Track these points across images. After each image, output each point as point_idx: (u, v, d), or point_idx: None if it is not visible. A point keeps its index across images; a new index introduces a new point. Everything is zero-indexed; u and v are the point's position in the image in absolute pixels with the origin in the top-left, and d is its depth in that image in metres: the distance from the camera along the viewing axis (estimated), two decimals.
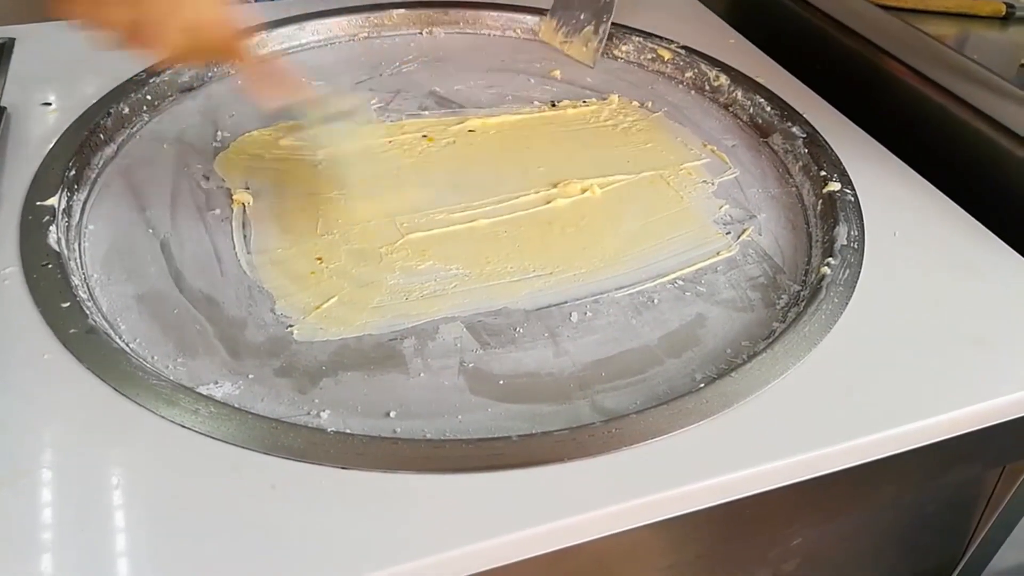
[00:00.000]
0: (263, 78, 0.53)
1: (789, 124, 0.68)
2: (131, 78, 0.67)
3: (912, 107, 0.72)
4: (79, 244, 0.54)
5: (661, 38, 0.79)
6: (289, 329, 0.49)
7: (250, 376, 0.46)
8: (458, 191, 0.61)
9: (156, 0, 0.45)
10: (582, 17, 0.79)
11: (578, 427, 0.42)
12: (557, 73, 0.77)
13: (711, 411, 0.43)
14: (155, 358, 0.46)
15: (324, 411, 0.44)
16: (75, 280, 0.49)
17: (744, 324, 0.52)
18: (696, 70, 0.77)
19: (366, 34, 0.81)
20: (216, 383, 0.45)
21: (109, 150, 0.62)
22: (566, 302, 0.53)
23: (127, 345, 0.47)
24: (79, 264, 0.52)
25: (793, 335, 0.49)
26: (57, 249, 0.51)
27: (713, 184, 0.65)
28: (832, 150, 0.65)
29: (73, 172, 0.57)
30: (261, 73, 0.53)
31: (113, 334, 0.47)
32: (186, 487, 0.38)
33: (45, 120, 0.63)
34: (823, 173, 0.63)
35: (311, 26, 0.78)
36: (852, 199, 0.60)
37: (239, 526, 0.37)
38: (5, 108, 0.62)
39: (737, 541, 0.49)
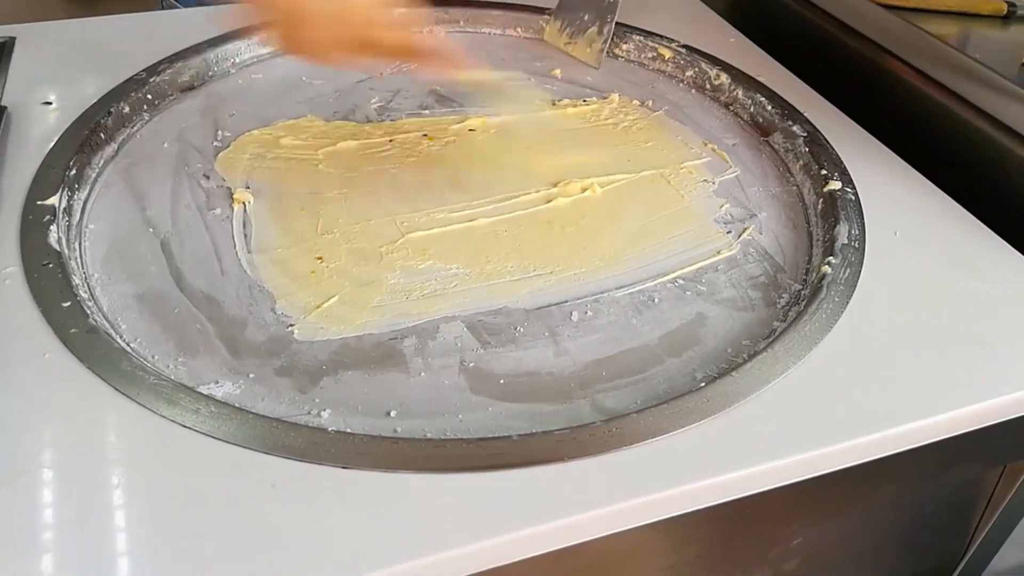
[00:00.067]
0: (437, 59, 0.57)
1: (790, 123, 0.68)
2: (131, 77, 0.67)
3: (913, 106, 0.72)
4: (80, 243, 0.54)
5: (662, 37, 0.79)
6: (289, 328, 0.49)
7: (251, 375, 0.46)
8: (458, 190, 0.61)
9: (358, 26, 0.52)
10: (586, 18, 0.79)
11: (578, 426, 0.42)
12: (557, 72, 0.77)
13: (711, 410, 0.43)
14: (156, 357, 0.46)
15: (325, 410, 0.44)
16: (76, 279, 0.49)
17: (745, 323, 0.52)
18: (697, 69, 0.77)
19: None
20: (217, 382, 0.45)
21: (110, 149, 0.62)
22: (566, 301, 0.53)
23: (128, 344, 0.47)
24: (80, 263, 0.52)
25: (794, 334, 0.49)
26: (58, 248, 0.51)
27: (714, 183, 0.65)
28: (833, 149, 0.65)
29: (74, 171, 0.57)
30: (435, 55, 0.57)
31: (114, 333, 0.47)
32: (186, 486, 0.38)
33: (46, 119, 0.63)
34: (824, 172, 0.63)
35: None
36: (853, 198, 0.60)
37: (240, 525, 0.37)
38: (6, 107, 0.62)
39: (737, 541, 0.49)
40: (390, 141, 0.66)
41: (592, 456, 0.41)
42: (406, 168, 0.64)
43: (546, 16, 0.83)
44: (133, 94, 0.66)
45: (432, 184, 0.62)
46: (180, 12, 0.84)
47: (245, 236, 0.56)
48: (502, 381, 0.47)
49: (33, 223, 0.52)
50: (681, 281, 0.55)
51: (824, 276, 0.53)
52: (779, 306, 0.53)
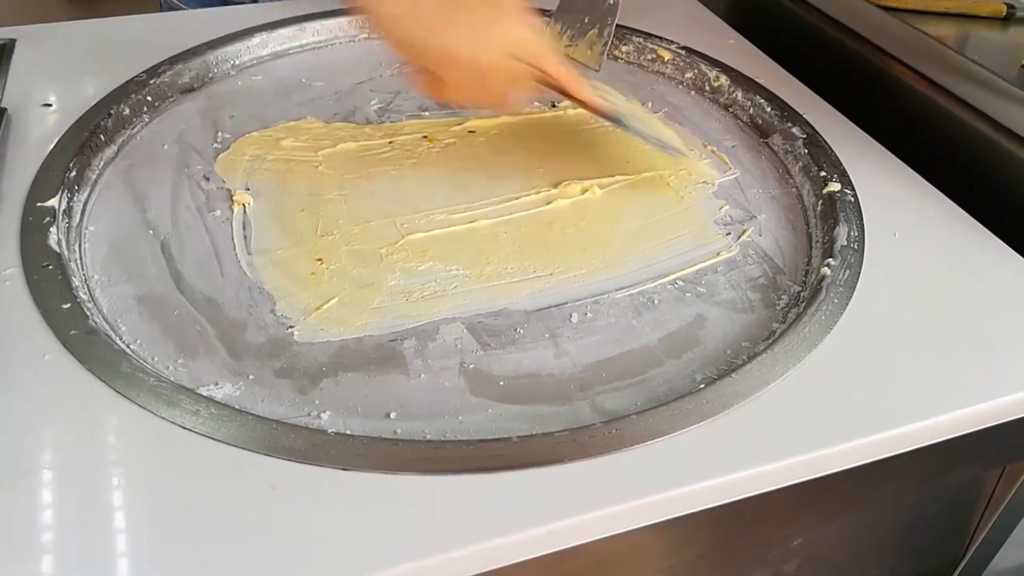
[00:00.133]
0: (586, 91, 0.59)
1: (789, 125, 0.68)
2: (131, 79, 0.67)
3: (912, 107, 0.72)
4: (79, 245, 0.54)
5: (661, 39, 0.79)
6: (289, 330, 0.49)
7: (250, 377, 0.46)
8: (458, 192, 0.61)
9: (502, 76, 0.53)
10: (586, 21, 0.79)
11: (578, 428, 0.43)
12: None
13: (711, 412, 0.44)
14: (155, 359, 0.46)
15: (324, 412, 0.44)
16: (76, 281, 0.49)
17: (744, 325, 0.52)
18: (696, 71, 0.77)
19: (367, 35, 0.81)
20: (216, 384, 0.45)
21: (109, 151, 0.62)
22: (566, 303, 0.53)
23: (128, 346, 0.47)
24: (79, 265, 0.52)
25: (793, 336, 0.49)
26: (57, 250, 0.51)
27: (713, 185, 0.65)
28: (832, 151, 0.65)
29: (74, 173, 0.57)
30: (585, 88, 0.59)
31: (114, 335, 0.47)
32: (186, 488, 0.38)
33: (46, 121, 0.63)
34: (823, 174, 0.63)
35: (312, 27, 0.78)
36: (852, 200, 0.60)
37: (239, 527, 0.37)
38: (6, 109, 0.62)
39: (737, 542, 0.49)
40: (390, 143, 0.66)
41: (592, 458, 0.41)
42: (406, 170, 0.64)
43: (546, 18, 0.83)
44: (133, 96, 0.66)
45: (432, 186, 0.62)
46: (180, 14, 0.84)
47: (245, 238, 0.56)
48: (502, 383, 0.47)
49: (33, 225, 0.52)
50: (681, 283, 0.55)
51: (823, 278, 0.53)
52: (778, 308, 0.53)
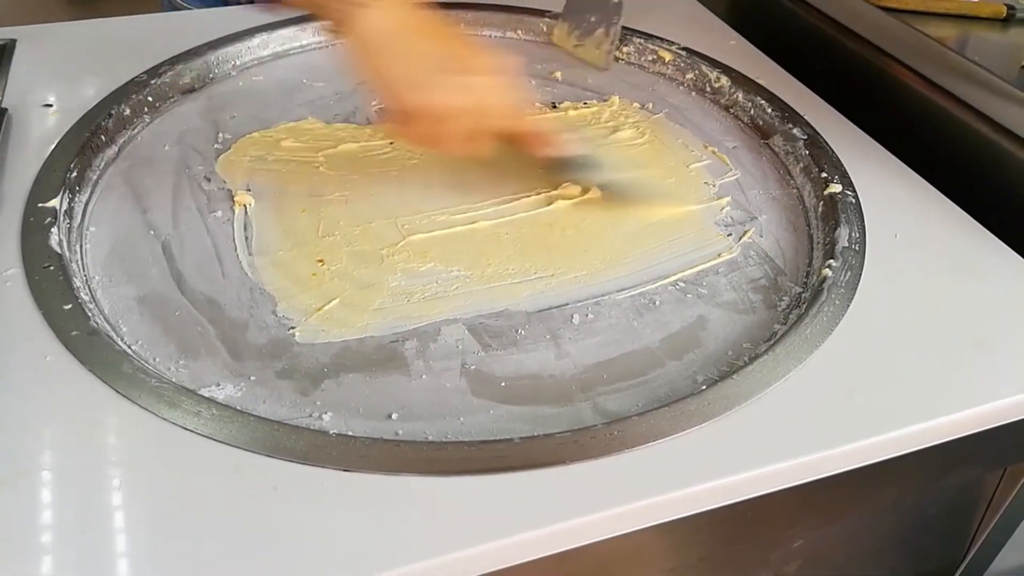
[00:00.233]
0: (543, 140, 0.60)
1: (790, 126, 0.68)
2: (132, 79, 0.67)
3: (913, 109, 0.72)
4: (80, 246, 0.54)
5: (662, 40, 0.79)
6: (291, 331, 0.49)
7: (252, 378, 0.46)
8: (459, 193, 0.61)
9: (477, 115, 0.54)
10: (593, 20, 0.79)
11: (580, 429, 0.43)
12: (558, 75, 0.77)
13: (713, 413, 0.44)
14: (157, 360, 0.46)
15: (326, 413, 0.44)
16: (77, 282, 0.49)
17: (745, 326, 0.52)
18: (697, 72, 0.77)
19: None
20: (218, 385, 0.45)
21: (110, 152, 0.62)
22: (567, 304, 0.53)
23: (129, 347, 0.47)
24: (80, 266, 0.52)
25: (794, 337, 0.49)
26: (59, 251, 0.51)
27: (714, 186, 0.65)
28: (833, 152, 0.65)
29: (74, 174, 0.57)
30: (542, 138, 0.60)
31: (115, 336, 0.47)
32: (188, 489, 0.38)
33: (46, 121, 0.63)
34: (824, 175, 0.63)
35: (313, 27, 0.78)
36: (853, 201, 0.60)
37: (241, 528, 0.37)
38: (6, 109, 0.62)
39: (739, 543, 0.49)
40: (391, 144, 0.66)
41: (593, 459, 0.41)
42: (407, 170, 0.64)
43: (547, 19, 0.83)
44: (134, 96, 0.66)
45: (433, 186, 0.62)
46: (180, 14, 0.84)
47: (246, 238, 0.56)
48: (503, 384, 0.47)
49: (34, 225, 0.52)
50: (682, 284, 0.55)
51: (825, 279, 0.53)
52: (780, 309, 0.53)
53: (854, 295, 0.52)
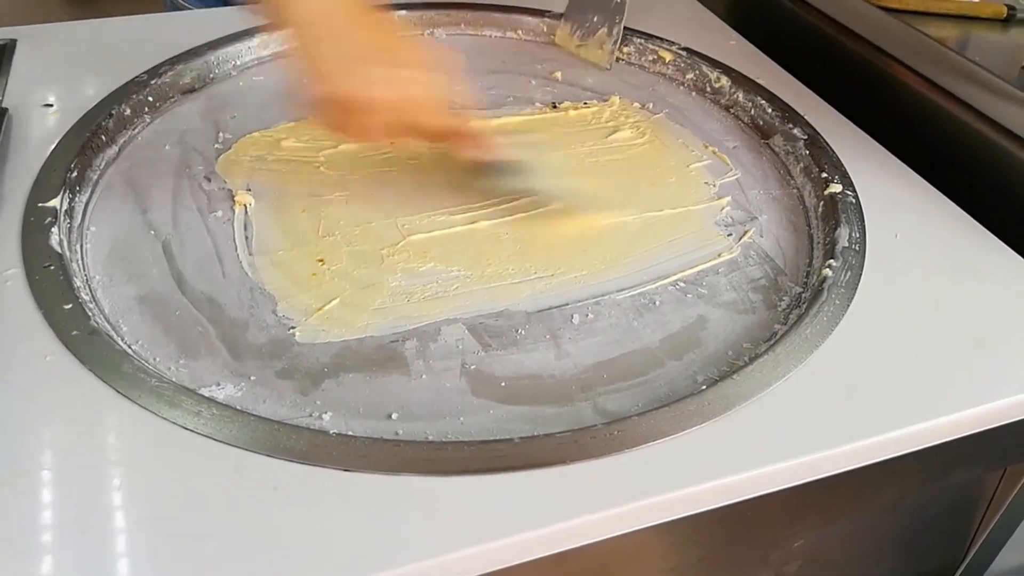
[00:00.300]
0: (470, 141, 0.59)
1: (790, 126, 0.68)
2: (132, 79, 0.67)
3: (913, 109, 0.72)
4: (81, 245, 0.54)
5: (662, 40, 0.79)
6: (291, 331, 0.49)
7: (252, 378, 0.46)
8: (459, 193, 0.61)
9: (400, 107, 0.53)
10: (595, 20, 0.79)
11: (580, 429, 0.43)
12: (558, 75, 0.77)
13: (713, 413, 0.44)
14: (157, 360, 0.46)
15: (326, 413, 0.44)
16: (77, 282, 0.49)
17: (745, 326, 0.52)
18: (697, 72, 0.77)
19: None
20: (218, 385, 0.45)
21: (111, 151, 0.62)
22: (567, 304, 0.53)
23: (129, 347, 0.47)
24: (81, 265, 0.52)
25: (794, 337, 0.49)
26: (59, 250, 0.51)
27: (715, 186, 0.65)
28: (833, 152, 0.65)
29: (75, 173, 0.57)
30: (469, 139, 0.59)
31: (115, 336, 0.47)
32: (188, 489, 0.38)
33: (47, 121, 0.63)
34: (824, 175, 0.63)
35: None
36: (853, 201, 0.60)
37: (241, 528, 0.37)
38: (7, 109, 0.62)
39: (739, 543, 0.49)
40: (391, 143, 0.66)
41: (593, 459, 0.41)
42: (407, 170, 0.64)
43: (547, 19, 0.83)
44: (134, 96, 0.66)
45: (433, 186, 0.62)
46: (181, 14, 0.84)
47: (246, 238, 0.56)
48: (503, 384, 0.47)
49: (34, 225, 0.52)
50: (682, 284, 0.55)
51: (825, 279, 0.53)
52: (780, 309, 0.53)
53: (854, 295, 0.52)
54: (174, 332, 0.48)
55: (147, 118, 0.67)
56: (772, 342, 0.49)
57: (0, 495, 0.37)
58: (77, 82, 0.67)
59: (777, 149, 0.69)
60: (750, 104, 0.73)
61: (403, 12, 0.81)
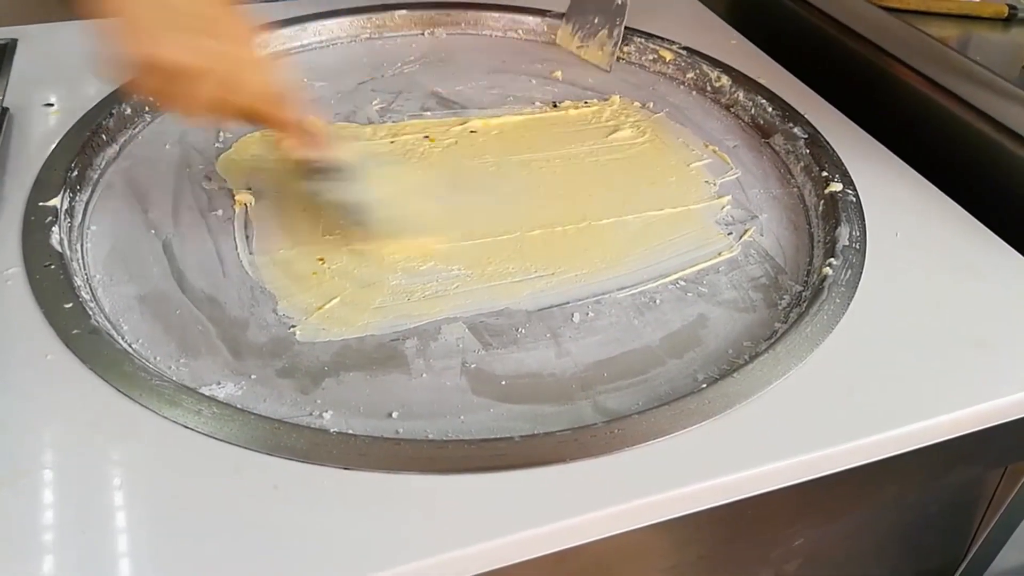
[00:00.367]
0: (300, 136, 0.56)
1: (791, 125, 0.68)
2: None
3: (914, 108, 0.72)
4: (81, 245, 0.54)
5: (662, 39, 0.79)
6: (291, 330, 0.49)
7: (252, 377, 0.46)
8: (460, 192, 0.61)
9: (219, 82, 0.49)
10: (596, 21, 0.79)
11: (580, 428, 0.42)
12: (558, 74, 0.77)
13: (713, 412, 0.43)
14: (157, 359, 0.46)
15: (326, 412, 0.44)
16: (77, 281, 0.49)
17: (746, 324, 0.52)
18: (697, 71, 0.77)
19: (368, 35, 0.81)
20: (218, 384, 0.45)
21: (111, 151, 0.62)
22: (568, 303, 0.53)
23: (129, 346, 0.47)
24: (81, 265, 0.52)
25: (795, 336, 0.49)
26: (60, 250, 0.51)
27: (715, 184, 0.65)
28: (834, 151, 0.65)
29: (75, 173, 0.57)
30: (299, 132, 0.56)
31: (115, 335, 0.47)
32: (188, 488, 0.38)
33: (47, 121, 0.63)
34: (825, 174, 0.63)
35: (313, 27, 0.78)
36: (854, 200, 0.60)
37: (241, 526, 0.37)
38: (7, 109, 0.62)
39: (739, 542, 0.49)
40: (391, 143, 0.66)
41: (594, 457, 0.41)
42: (407, 170, 0.64)
43: (548, 19, 0.83)
44: (134, 96, 0.66)
45: (434, 186, 0.62)
46: None
47: (247, 237, 0.56)
48: (504, 382, 0.47)
49: (35, 224, 0.52)
50: (682, 282, 0.55)
51: (825, 278, 0.53)
52: (780, 307, 0.53)
53: (855, 294, 0.52)
54: (175, 331, 0.48)
55: (147, 117, 0.67)
56: (772, 340, 0.49)
57: (0, 495, 0.37)
58: (77, 82, 0.67)
59: (777, 148, 0.69)
60: (750, 103, 0.73)
61: (404, 11, 0.81)
